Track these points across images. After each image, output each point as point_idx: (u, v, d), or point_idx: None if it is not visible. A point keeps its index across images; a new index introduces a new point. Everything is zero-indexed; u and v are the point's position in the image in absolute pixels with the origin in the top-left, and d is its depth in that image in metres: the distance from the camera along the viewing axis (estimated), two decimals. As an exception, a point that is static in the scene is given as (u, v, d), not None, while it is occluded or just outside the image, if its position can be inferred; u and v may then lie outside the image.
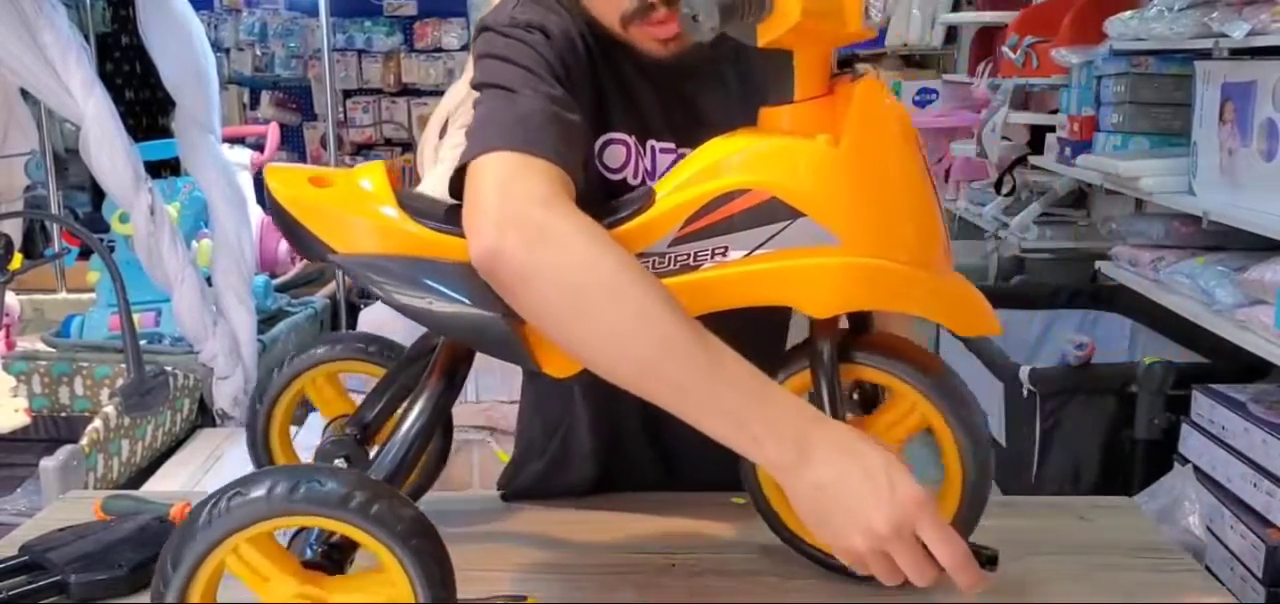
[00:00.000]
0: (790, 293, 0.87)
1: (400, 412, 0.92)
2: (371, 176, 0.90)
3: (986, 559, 0.85)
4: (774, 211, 0.84)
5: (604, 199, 0.91)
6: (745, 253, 0.86)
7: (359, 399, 1.04)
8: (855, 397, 1.02)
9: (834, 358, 0.93)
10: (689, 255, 0.87)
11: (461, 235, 0.86)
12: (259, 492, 0.74)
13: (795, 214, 0.84)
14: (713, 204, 0.85)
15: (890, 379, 0.96)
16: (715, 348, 0.81)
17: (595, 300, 0.81)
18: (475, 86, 0.94)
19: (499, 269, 0.82)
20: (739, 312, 0.88)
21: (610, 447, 1.18)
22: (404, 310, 0.85)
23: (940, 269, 0.89)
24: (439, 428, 1.05)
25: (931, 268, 0.88)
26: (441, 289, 0.85)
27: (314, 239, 0.88)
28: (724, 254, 0.86)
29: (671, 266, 0.87)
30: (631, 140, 1.03)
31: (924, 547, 0.79)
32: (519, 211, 0.81)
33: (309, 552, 0.82)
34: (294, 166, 0.92)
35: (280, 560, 0.79)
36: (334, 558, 0.82)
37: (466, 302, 0.84)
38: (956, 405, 0.94)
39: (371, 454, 0.94)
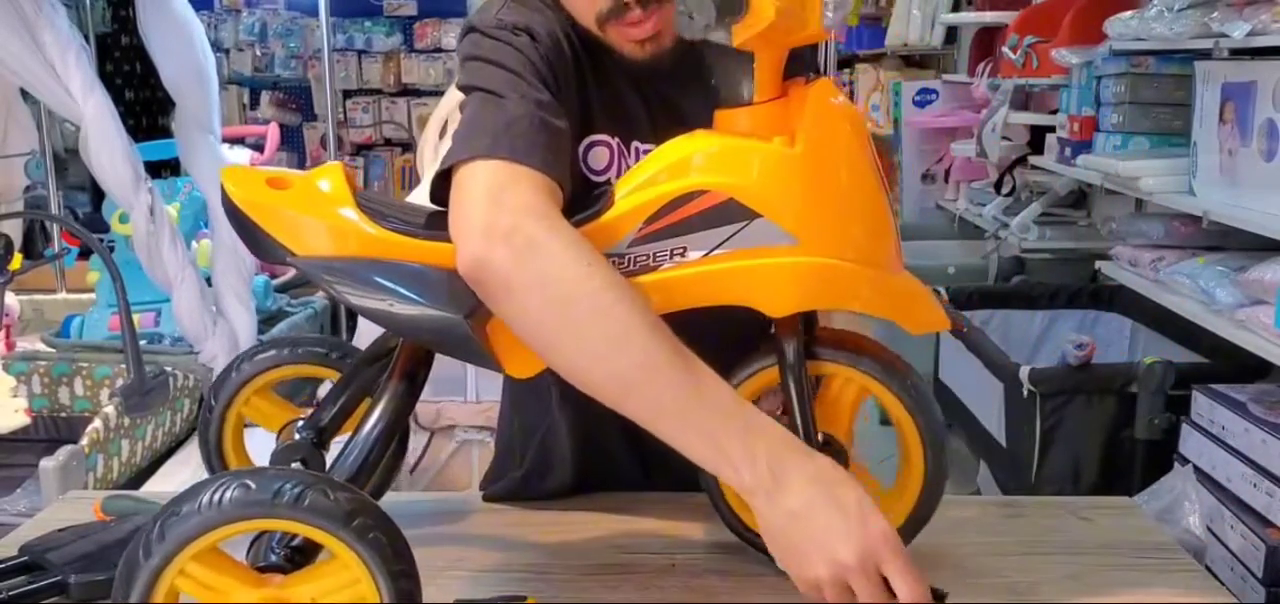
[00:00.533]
0: (748, 293, 0.88)
1: (362, 414, 0.91)
2: (330, 178, 0.90)
3: (938, 598, 0.87)
4: (732, 212, 0.86)
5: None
6: (703, 253, 0.87)
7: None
8: None
9: (800, 357, 0.94)
10: (649, 256, 0.88)
11: (422, 237, 0.87)
12: (190, 507, 0.74)
13: (753, 215, 0.86)
14: (672, 205, 0.86)
15: (851, 372, 0.97)
16: (696, 369, 0.82)
17: (579, 316, 0.81)
18: (461, 88, 0.94)
19: (486, 279, 0.82)
20: (720, 314, 0.89)
21: (590, 451, 1.18)
22: (364, 312, 0.86)
23: (891, 268, 0.91)
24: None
25: (882, 267, 0.90)
26: (401, 291, 0.85)
27: (272, 241, 0.88)
28: (683, 254, 0.88)
29: (632, 267, 0.88)
30: (615, 142, 1.03)
31: (885, 583, 0.80)
32: (507, 222, 0.82)
33: (273, 556, 0.82)
34: (251, 168, 0.92)
35: (231, 570, 0.79)
36: (296, 559, 0.82)
37: (427, 303, 0.85)
38: (915, 395, 0.96)
39: (328, 457, 0.94)
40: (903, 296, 0.92)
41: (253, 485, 0.74)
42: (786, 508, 0.81)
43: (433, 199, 0.90)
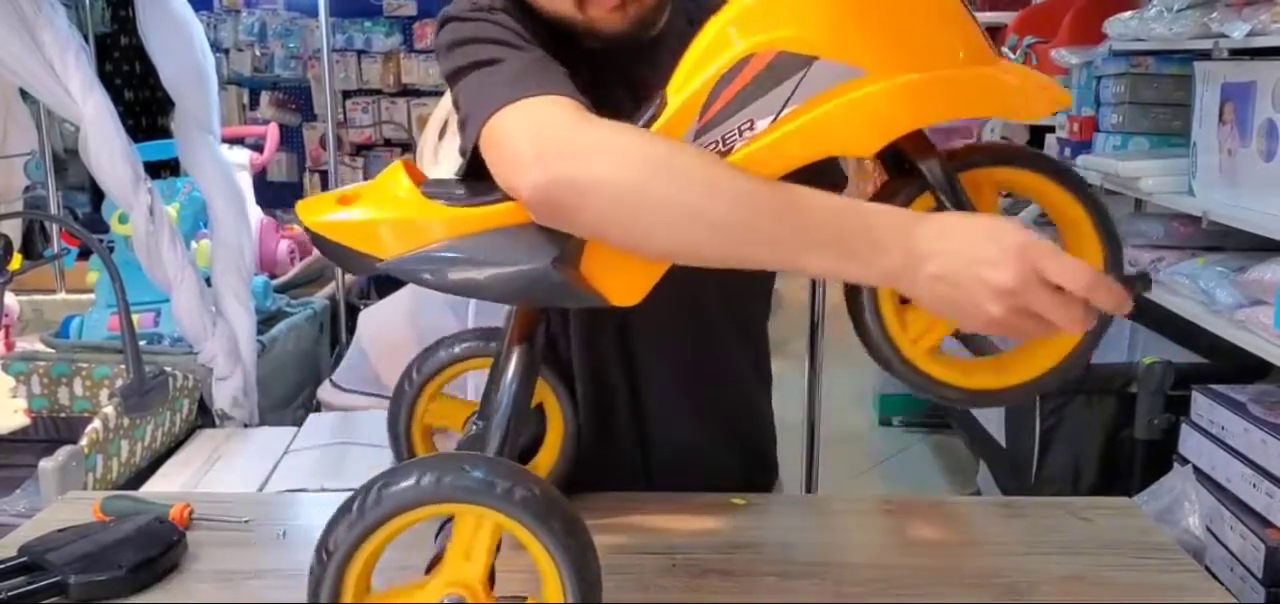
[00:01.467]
0: (830, 141, 0.83)
1: (489, 388, 0.93)
2: (398, 177, 0.90)
3: (1137, 279, 0.82)
4: (785, 66, 0.81)
5: None
6: (772, 118, 0.82)
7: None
8: None
9: (950, 171, 0.87)
10: (718, 142, 0.84)
11: (495, 202, 0.86)
12: (426, 477, 0.77)
13: (808, 60, 0.81)
14: (722, 82, 0.83)
15: (1012, 174, 0.91)
16: (791, 190, 0.79)
17: (659, 186, 0.79)
18: (448, 77, 0.93)
19: (555, 197, 0.80)
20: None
21: (589, 446, 1.17)
22: (459, 290, 0.86)
23: (982, 61, 0.83)
24: (568, 398, 1.13)
25: (971, 62, 0.83)
26: (489, 259, 0.85)
27: (359, 255, 0.87)
28: (751, 127, 0.83)
29: None
30: None
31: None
32: (555, 138, 0.81)
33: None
34: (320, 194, 0.93)
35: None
36: None
37: (514, 264, 0.84)
38: (1084, 188, 0.91)
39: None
40: (1005, 89, 0.85)
41: (473, 473, 0.78)
42: (930, 274, 0.77)
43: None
